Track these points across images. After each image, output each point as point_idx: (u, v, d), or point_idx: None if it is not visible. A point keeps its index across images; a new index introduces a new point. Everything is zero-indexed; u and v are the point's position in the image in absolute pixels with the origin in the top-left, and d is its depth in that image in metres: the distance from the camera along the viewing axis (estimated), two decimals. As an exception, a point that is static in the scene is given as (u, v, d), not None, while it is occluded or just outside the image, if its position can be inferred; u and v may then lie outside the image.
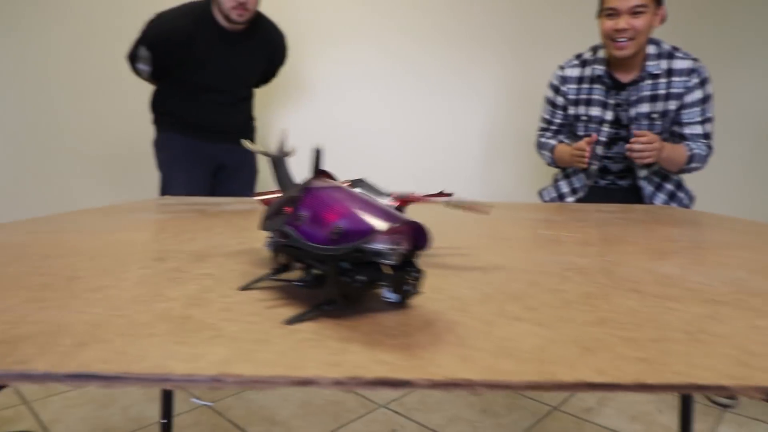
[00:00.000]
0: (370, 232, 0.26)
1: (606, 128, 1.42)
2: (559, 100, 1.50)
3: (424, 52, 2.57)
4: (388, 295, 0.29)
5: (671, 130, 1.41)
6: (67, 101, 2.63)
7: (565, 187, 1.56)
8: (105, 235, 0.50)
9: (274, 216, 0.32)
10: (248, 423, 1.21)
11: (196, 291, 0.31)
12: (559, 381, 0.20)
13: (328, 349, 0.22)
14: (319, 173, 0.34)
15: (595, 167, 1.47)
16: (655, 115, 1.37)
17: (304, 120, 2.62)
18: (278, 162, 0.37)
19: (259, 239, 0.50)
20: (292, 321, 0.26)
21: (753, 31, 2.43)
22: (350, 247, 0.26)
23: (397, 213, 0.28)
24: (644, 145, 1.28)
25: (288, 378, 0.20)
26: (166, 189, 1.68)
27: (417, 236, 0.28)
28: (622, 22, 1.27)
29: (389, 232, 0.26)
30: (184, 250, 0.43)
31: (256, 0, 1.57)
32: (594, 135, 1.37)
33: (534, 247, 0.50)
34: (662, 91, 1.36)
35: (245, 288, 0.32)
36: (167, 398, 1.00)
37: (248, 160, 1.88)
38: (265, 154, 0.38)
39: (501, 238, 0.54)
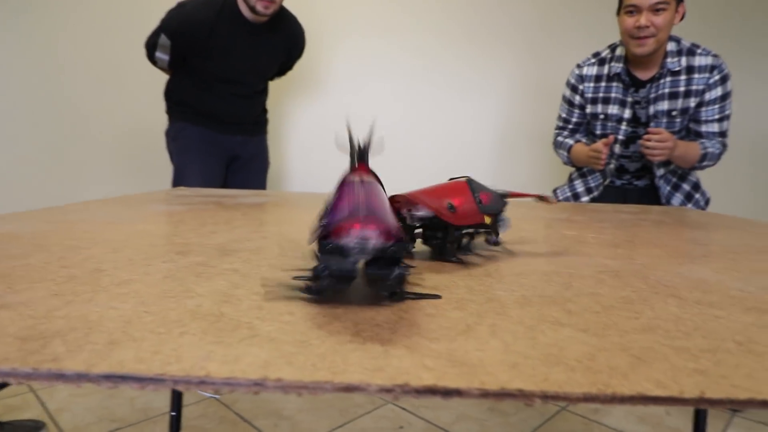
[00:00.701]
0: (332, 227, 0.27)
1: (624, 126, 1.40)
2: (577, 99, 1.49)
3: (440, 46, 2.54)
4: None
5: (688, 126, 1.39)
6: (80, 89, 2.63)
7: (580, 187, 1.55)
8: (125, 226, 0.50)
9: None
10: (255, 416, 1.21)
11: (225, 287, 0.30)
12: (617, 393, 0.19)
13: (369, 353, 0.21)
14: (359, 166, 0.34)
15: (612, 166, 1.45)
16: (674, 113, 1.35)
17: (317, 113, 2.61)
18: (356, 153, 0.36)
19: (281, 234, 0.49)
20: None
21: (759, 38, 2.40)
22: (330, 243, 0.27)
23: (377, 210, 0.28)
24: (657, 142, 1.27)
25: (332, 384, 0.19)
26: (180, 179, 1.67)
27: (394, 233, 0.27)
28: (643, 19, 1.25)
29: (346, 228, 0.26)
30: (206, 243, 0.43)
31: None
32: (611, 136, 1.36)
33: (561, 248, 0.49)
34: (682, 88, 1.34)
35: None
36: (177, 390, 1.00)
37: (261, 152, 1.87)
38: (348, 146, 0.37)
39: (524, 238, 0.53)
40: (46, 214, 0.56)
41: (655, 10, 1.25)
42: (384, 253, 0.27)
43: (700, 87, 1.32)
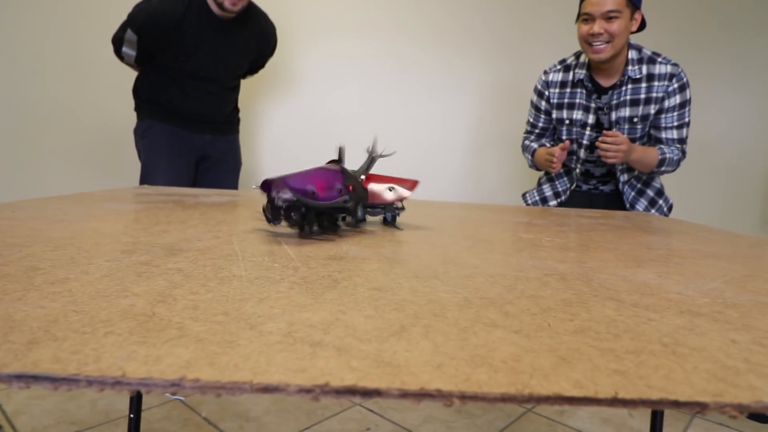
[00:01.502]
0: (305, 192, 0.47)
1: (588, 131, 1.43)
2: (543, 104, 1.52)
3: (413, 47, 2.56)
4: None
5: (649, 133, 1.43)
6: (48, 85, 2.56)
7: (548, 191, 1.57)
8: (73, 224, 0.48)
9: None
10: (220, 419, 1.19)
11: (164, 287, 0.30)
12: (534, 394, 0.19)
13: (296, 354, 0.21)
14: (334, 161, 0.56)
15: (578, 171, 1.48)
16: (636, 119, 1.39)
17: (290, 112, 2.59)
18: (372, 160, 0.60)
19: (234, 233, 0.49)
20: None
21: (733, 50, 2.48)
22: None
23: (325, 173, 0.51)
24: (611, 145, 1.30)
25: (250, 384, 0.19)
26: (147, 178, 1.64)
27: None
28: (597, 27, 1.30)
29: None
30: (155, 243, 0.42)
31: None
32: (567, 142, 1.40)
33: (514, 250, 0.49)
34: (643, 96, 1.38)
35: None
36: (138, 392, 0.98)
37: (232, 151, 1.85)
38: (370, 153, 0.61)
39: (482, 240, 0.54)
40: (-5, 211, 0.54)
41: (608, 18, 1.29)
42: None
43: (660, 94, 1.36)
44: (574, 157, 1.48)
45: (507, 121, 2.52)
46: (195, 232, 0.48)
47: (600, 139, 1.33)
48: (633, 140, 1.40)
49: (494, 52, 2.55)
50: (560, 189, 1.55)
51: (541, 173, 1.63)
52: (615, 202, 1.50)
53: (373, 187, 0.59)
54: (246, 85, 1.94)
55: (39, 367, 0.19)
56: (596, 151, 1.44)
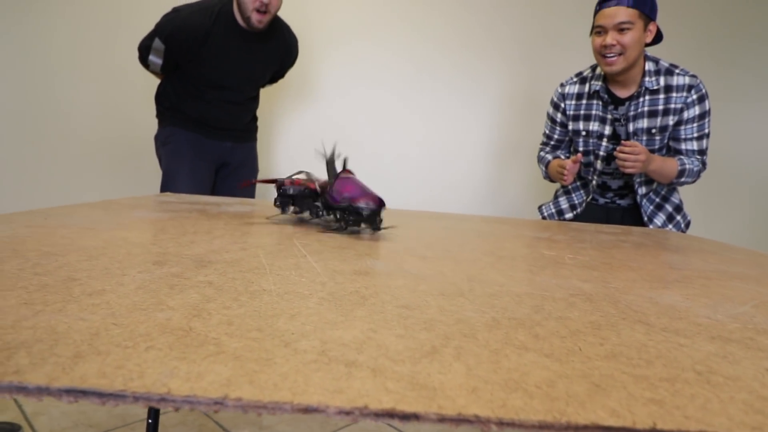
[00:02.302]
0: (357, 199, 0.62)
1: (605, 143, 1.43)
2: (559, 116, 1.53)
3: (433, 53, 2.56)
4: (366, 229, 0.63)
5: (668, 145, 1.42)
6: (69, 92, 2.61)
7: (564, 203, 1.56)
8: (104, 233, 0.49)
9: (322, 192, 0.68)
10: (235, 425, 1.20)
11: (197, 300, 0.30)
12: (571, 422, 0.19)
13: (332, 374, 0.22)
14: (344, 170, 0.68)
15: (594, 183, 1.48)
16: (654, 130, 1.38)
17: (307, 119, 2.61)
18: (330, 162, 0.68)
19: (260, 245, 0.50)
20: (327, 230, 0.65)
21: (759, 65, 2.45)
22: (349, 205, 0.62)
23: (371, 191, 0.62)
24: (629, 154, 1.30)
25: (291, 405, 0.19)
26: (169, 184, 1.67)
27: (380, 202, 0.62)
28: (609, 38, 1.30)
29: (366, 199, 0.61)
30: (184, 254, 0.43)
31: (278, 4, 1.56)
32: (579, 155, 1.40)
33: (538, 268, 0.49)
34: (661, 107, 1.37)
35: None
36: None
37: (250, 159, 1.87)
38: (325, 157, 0.68)
39: (504, 257, 0.54)
40: (27, 218, 0.56)
41: (620, 29, 1.29)
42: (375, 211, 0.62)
43: (678, 105, 1.35)
44: (591, 169, 1.47)
45: (528, 129, 2.51)
46: (221, 243, 0.49)
47: (618, 148, 1.33)
48: (651, 152, 1.39)
49: (517, 59, 2.55)
50: (576, 202, 1.54)
51: (558, 185, 1.63)
52: (632, 216, 1.49)
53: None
54: (263, 93, 1.97)
55: (86, 381, 0.19)
56: (613, 163, 1.43)
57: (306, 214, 0.77)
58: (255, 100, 1.85)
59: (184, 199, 0.99)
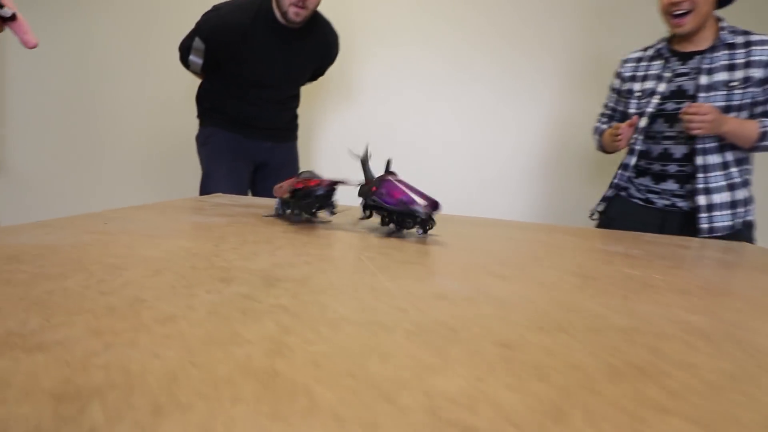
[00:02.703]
0: (413, 202, 0.61)
1: (656, 99, 1.37)
2: (617, 83, 1.51)
3: (477, 53, 2.50)
4: (419, 232, 0.64)
5: (750, 109, 1.31)
6: (113, 93, 2.68)
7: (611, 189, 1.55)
8: (164, 242, 0.48)
9: (365, 192, 0.66)
10: None
11: (275, 331, 0.27)
12: None
13: (452, 445, 0.18)
14: (389, 173, 0.66)
15: (638, 146, 1.42)
16: (734, 83, 1.28)
17: (349, 119, 2.59)
18: (365, 162, 0.67)
19: (324, 258, 0.47)
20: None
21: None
22: (403, 208, 0.61)
23: (424, 193, 0.62)
24: (694, 115, 1.22)
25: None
26: (208, 184, 1.68)
27: (435, 205, 0.61)
28: None
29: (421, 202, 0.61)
30: (249, 268, 0.40)
31: (317, 0, 1.54)
32: (635, 117, 1.34)
33: (630, 293, 0.44)
34: (741, 60, 1.27)
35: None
36: None
37: (291, 159, 1.87)
38: (359, 158, 0.68)
39: (588, 277, 0.49)
40: (87, 223, 0.55)
41: None
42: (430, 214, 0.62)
43: (764, 57, 1.25)
44: (638, 129, 1.41)
45: (582, 132, 2.42)
46: (284, 255, 0.46)
47: (683, 109, 1.25)
48: (728, 110, 1.29)
49: (566, 59, 2.45)
50: (621, 180, 1.50)
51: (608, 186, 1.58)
52: (691, 224, 1.41)
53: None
54: (305, 91, 1.96)
55: (171, 448, 0.16)
56: (677, 125, 1.34)
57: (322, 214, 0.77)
58: (296, 99, 1.84)
59: (235, 201, 0.98)
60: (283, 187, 0.68)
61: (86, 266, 0.37)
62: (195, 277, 0.36)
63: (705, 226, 1.36)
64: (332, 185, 0.62)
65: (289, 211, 0.70)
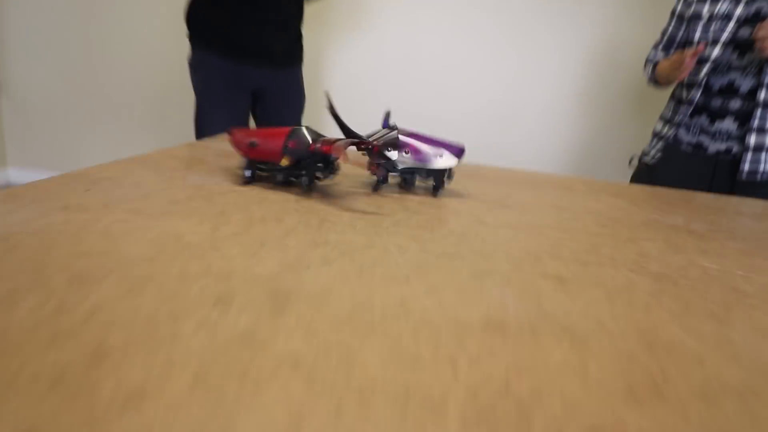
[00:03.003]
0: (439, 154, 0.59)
1: (731, 25, 1.21)
2: (680, 6, 1.33)
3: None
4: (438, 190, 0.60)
5: None
6: (99, 33, 2.51)
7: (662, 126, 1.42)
8: (153, 223, 0.40)
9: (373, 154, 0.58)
10: None
11: (284, 419, 0.20)
12: None
13: None
14: (389, 128, 0.60)
15: (702, 77, 1.28)
16: None
17: (364, 50, 2.41)
18: (337, 117, 0.53)
19: (346, 250, 0.39)
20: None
21: None
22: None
23: (442, 142, 0.59)
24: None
25: None
26: (203, 116, 1.56)
27: (458, 154, 0.59)
28: None
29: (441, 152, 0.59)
30: (253, 276, 0.32)
31: None
32: (701, 45, 1.18)
33: (721, 308, 0.36)
34: None
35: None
36: None
37: (294, 85, 1.71)
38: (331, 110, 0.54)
39: (662, 278, 0.41)
40: (64, 190, 0.46)
41: None
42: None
43: None
44: (703, 59, 1.26)
45: (617, 82, 2.23)
46: (297, 246, 0.38)
47: (758, 25, 1.11)
48: None
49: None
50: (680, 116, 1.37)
51: (660, 126, 1.44)
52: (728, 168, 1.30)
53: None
54: (314, 24, 1.78)
55: None
56: (748, 54, 1.19)
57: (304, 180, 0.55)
58: (297, 19, 1.64)
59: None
60: (340, 147, 0.50)
61: (46, 277, 0.29)
62: (183, 294, 0.29)
63: (746, 166, 1.24)
64: (351, 146, 0.53)
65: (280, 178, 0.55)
